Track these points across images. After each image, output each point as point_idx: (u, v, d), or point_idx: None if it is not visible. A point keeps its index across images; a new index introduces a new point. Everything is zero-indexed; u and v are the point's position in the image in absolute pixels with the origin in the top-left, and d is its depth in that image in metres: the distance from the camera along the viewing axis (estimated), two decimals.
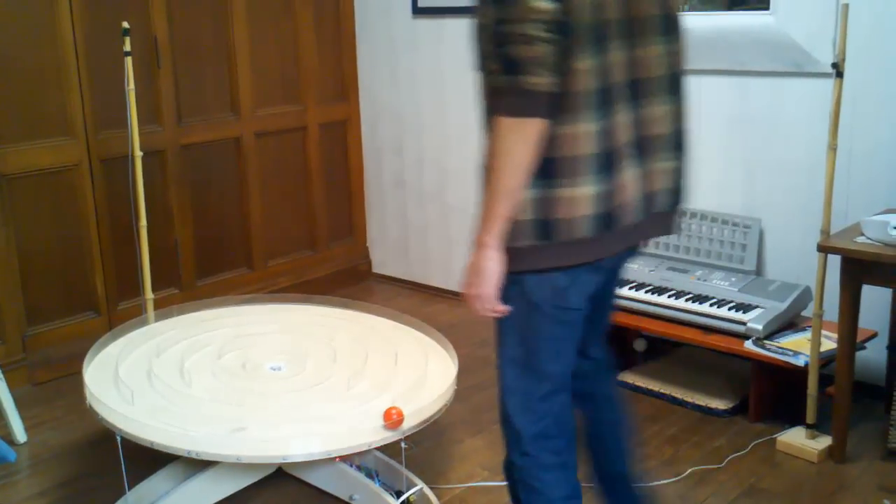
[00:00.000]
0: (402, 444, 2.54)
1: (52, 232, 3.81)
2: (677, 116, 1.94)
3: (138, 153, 3.39)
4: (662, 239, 3.71)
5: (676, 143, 1.94)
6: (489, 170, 1.76)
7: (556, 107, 1.72)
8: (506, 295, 1.86)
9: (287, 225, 4.76)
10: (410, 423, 2.54)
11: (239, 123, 4.43)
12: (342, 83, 4.90)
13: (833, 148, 2.84)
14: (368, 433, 2.49)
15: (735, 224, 3.55)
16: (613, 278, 2.10)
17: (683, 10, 2.02)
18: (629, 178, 1.83)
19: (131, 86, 3.35)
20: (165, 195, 4.18)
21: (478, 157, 1.91)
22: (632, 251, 2.03)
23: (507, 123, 1.71)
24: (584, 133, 1.75)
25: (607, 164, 1.78)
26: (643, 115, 1.86)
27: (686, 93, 1.96)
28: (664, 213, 1.96)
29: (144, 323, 3.25)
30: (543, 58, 1.67)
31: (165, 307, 3.44)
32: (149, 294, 3.50)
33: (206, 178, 4.36)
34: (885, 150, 3.19)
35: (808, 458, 2.96)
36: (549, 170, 1.76)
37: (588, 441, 2.29)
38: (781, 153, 3.46)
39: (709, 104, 3.61)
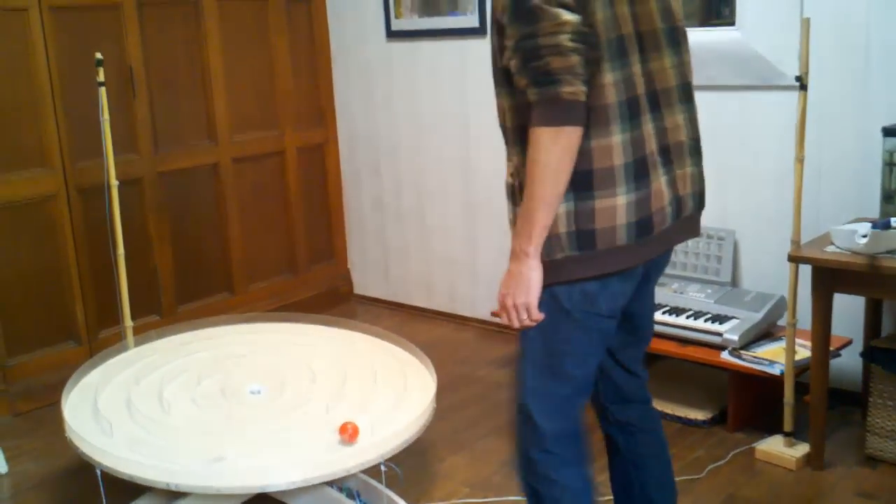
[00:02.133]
0: (382, 467, 2.55)
1: (31, 262, 3.81)
2: (693, 124, 2.02)
3: (114, 182, 3.40)
4: None
5: (695, 149, 2.02)
6: (529, 181, 1.80)
7: (588, 117, 1.78)
8: (539, 304, 1.90)
9: (267, 249, 4.77)
10: (390, 445, 2.56)
11: (216, 149, 4.45)
12: (319, 107, 4.93)
13: (800, 159, 2.88)
14: (348, 459, 2.50)
15: (710, 236, 3.59)
16: (648, 287, 2.13)
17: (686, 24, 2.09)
18: (661, 185, 1.90)
19: (106, 116, 3.37)
20: (144, 223, 4.19)
21: (503, 174, 1.97)
22: (662, 259, 2.08)
23: (544, 133, 1.76)
24: (616, 144, 1.82)
25: (640, 172, 1.86)
26: (665, 125, 1.93)
27: (696, 101, 2.04)
28: (690, 216, 2.03)
29: (123, 349, 3.25)
30: (575, 67, 1.73)
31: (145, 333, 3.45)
32: (128, 321, 3.50)
33: (185, 204, 4.37)
34: (853, 160, 3.24)
35: (787, 465, 2.98)
36: (585, 182, 1.82)
37: (628, 469, 2.27)
38: (752, 165, 3.50)
39: None
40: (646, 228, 1.87)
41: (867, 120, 3.17)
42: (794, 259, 2.89)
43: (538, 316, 1.90)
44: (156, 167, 4.21)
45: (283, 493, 2.82)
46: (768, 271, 3.49)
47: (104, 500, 2.60)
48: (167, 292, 4.32)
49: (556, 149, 1.76)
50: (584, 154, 1.80)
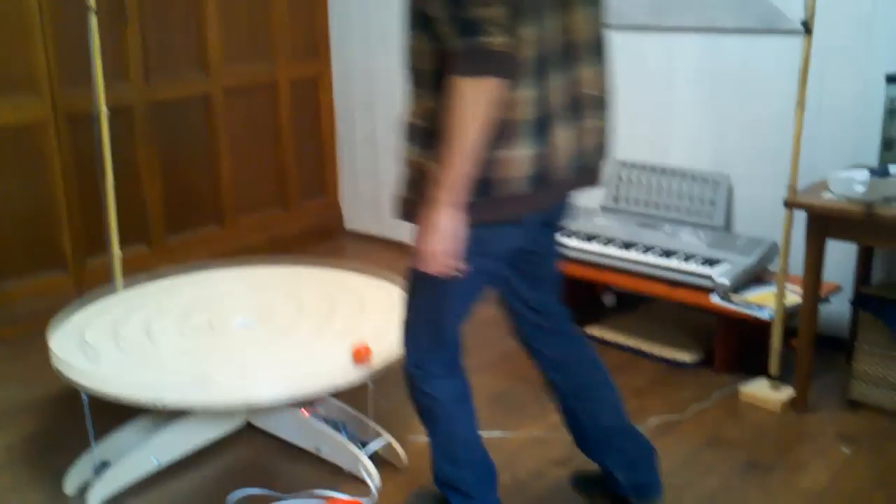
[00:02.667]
0: (370, 385, 2.58)
1: (18, 189, 3.77)
2: (604, 78, 2.06)
3: (104, 110, 3.34)
4: (632, 195, 3.72)
5: (602, 103, 2.06)
6: (448, 130, 1.81)
7: (510, 68, 1.79)
8: None
9: (258, 182, 4.73)
10: (376, 363, 2.60)
11: (208, 80, 4.38)
12: (313, 39, 4.85)
13: (801, 104, 2.85)
14: (335, 374, 2.54)
15: (704, 180, 3.56)
16: (550, 231, 2.21)
17: None
18: (562, 138, 1.94)
19: (96, 42, 3.29)
20: (134, 153, 4.14)
21: (405, 115, 1.97)
22: (561, 206, 2.16)
23: (466, 83, 1.77)
24: (522, 99, 1.85)
25: (543, 127, 1.90)
26: (575, 77, 1.98)
27: (609, 55, 2.06)
28: (590, 167, 2.09)
29: (111, 291, 3.23)
30: (500, 18, 1.74)
31: (133, 271, 3.43)
32: (116, 251, 3.47)
33: (175, 135, 4.32)
34: (853, 107, 3.20)
35: (771, 408, 3.00)
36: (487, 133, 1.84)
37: (567, 402, 2.39)
38: (751, 110, 3.46)
39: (679, 61, 3.61)
40: (544, 180, 1.93)
41: (870, 66, 3.13)
42: (791, 205, 2.87)
43: (457, 264, 1.95)
44: (146, 96, 4.14)
45: (270, 423, 2.84)
46: (761, 216, 3.48)
47: (90, 424, 2.61)
48: (156, 223, 4.28)
49: (480, 100, 1.77)
50: None
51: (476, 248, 1.97)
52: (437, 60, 1.85)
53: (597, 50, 2.03)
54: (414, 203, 1.96)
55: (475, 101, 1.77)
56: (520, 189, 1.90)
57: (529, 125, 1.87)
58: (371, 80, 4.77)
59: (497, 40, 1.74)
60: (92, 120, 3.36)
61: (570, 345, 2.35)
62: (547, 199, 1.99)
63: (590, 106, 2.02)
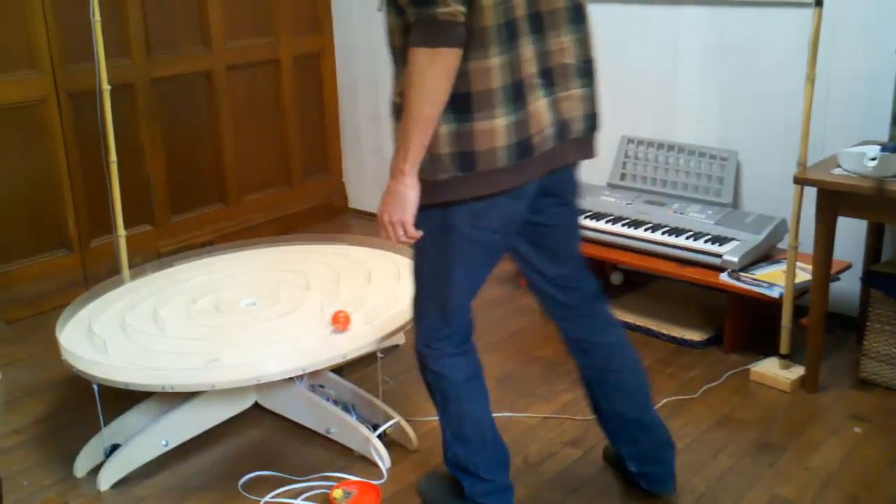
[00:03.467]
0: (378, 355, 2.61)
1: (21, 168, 3.74)
2: (583, 46, 2.04)
3: (106, 87, 3.31)
4: (639, 172, 3.70)
5: (585, 71, 2.04)
6: (406, 101, 1.85)
7: (466, 40, 1.81)
8: (426, 220, 1.99)
9: (261, 160, 4.70)
10: (384, 330, 2.62)
11: (210, 56, 4.34)
12: (315, 14, 4.80)
13: (811, 79, 2.81)
14: (342, 345, 2.54)
15: (712, 156, 3.53)
16: (558, 203, 2.18)
17: None
18: (541, 107, 1.94)
19: (97, 17, 3.25)
20: (136, 130, 4.10)
21: (392, 94, 1.99)
22: (564, 178, 2.14)
23: (422, 54, 1.79)
24: (493, 66, 1.86)
25: (517, 95, 1.90)
26: (548, 46, 1.96)
27: (590, 22, 2.04)
28: (581, 138, 2.08)
29: (117, 276, 3.21)
30: None
31: (138, 251, 3.40)
32: (121, 231, 3.45)
33: (178, 112, 4.28)
34: (863, 82, 3.16)
35: (781, 387, 2.99)
36: (463, 104, 1.87)
37: (588, 383, 2.39)
38: (759, 85, 3.43)
39: (686, 35, 3.57)
40: (525, 150, 1.93)
41: (882, 40, 3.09)
42: (800, 181, 2.85)
43: (414, 233, 1.99)
44: (148, 73, 4.10)
45: (280, 404, 2.83)
46: (770, 193, 3.45)
47: (99, 408, 2.60)
48: (160, 202, 4.26)
49: (432, 70, 1.79)
50: (462, 76, 1.84)
51: (472, 221, 2.00)
52: (405, 36, 1.86)
53: (574, 17, 2.00)
54: None
55: (429, 71, 1.79)
56: (502, 160, 1.91)
57: (502, 93, 1.88)
58: (374, 55, 4.72)
59: (447, 10, 1.75)
60: (94, 96, 3.32)
61: (598, 328, 2.33)
62: (534, 170, 1.99)
63: (568, 75, 2.00)
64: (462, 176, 1.92)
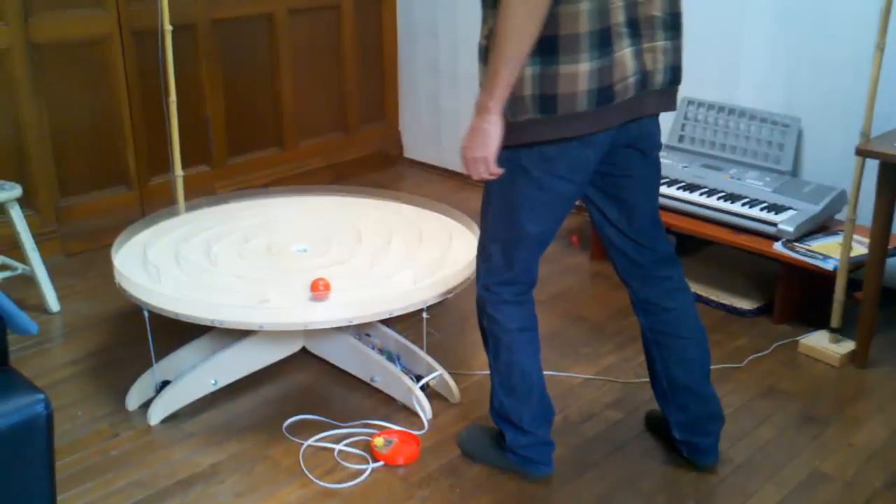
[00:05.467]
0: (424, 314, 2.62)
1: (84, 104, 3.81)
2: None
3: (168, 27, 3.34)
4: (698, 135, 3.64)
5: (671, 24, 2.03)
6: (495, 39, 1.86)
7: None
8: (499, 161, 2.00)
9: (319, 105, 4.71)
10: (432, 292, 2.64)
11: None
12: None
13: (881, 48, 2.73)
14: (389, 301, 2.57)
15: (774, 122, 3.46)
16: (637, 155, 2.16)
17: None
18: (625, 56, 1.95)
19: None
20: (197, 71, 4.14)
21: (479, 38, 2.00)
22: (644, 131, 2.12)
23: None
24: (582, 11, 1.87)
25: (604, 41, 1.91)
26: None
27: None
28: (662, 90, 2.08)
29: (174, 213, 3.27)
30: None
31: (195, 192, 3.45)
32: (178, 171, 3.50)
33: (238, 54, 4.30)
34: None
35: (830, 361, 2.96)
36: (549, 47, 1.89)
37: (647, 344, 2.40)
38: (826, 51, 3.34)
39: None
40: (606, 97, 1.94)
41: None
42: (863, 153, 2.78)
43: (495, 170, 2.00)
44: (210, 14, 4.12)
45: (326, 349, 2.88)
46: (831, 163, 3.38)
47: (151, 342, 2.66)
48: (218, 143, 4.30)
49: (523, 8, 1.82)
50: (551, 19, 1.86)
51: (542, 166, 2.02)
52: None
53: None
54: None
55: (520, 10, 1.82)
56: (582, 105, 1.92)
57: (588, 38, 1.88)
58: (434, 4, 4.68)
59: None
60: (157, 35, 3.36)
61: (667, 291, 2.32)
62: (612, 118, 1.99)
63: (655, 26, 2.00)
64: (541, 118, 1.94)
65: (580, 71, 1.90)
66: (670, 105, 2.14)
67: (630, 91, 1.98)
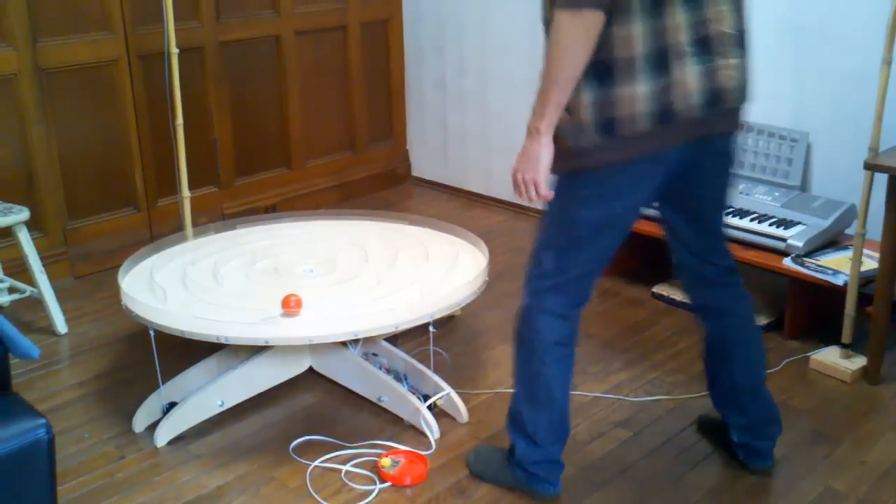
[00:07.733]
0: (431, 327, 2.62)
1: (92, 127, 3.82)
2: (739, 14, 2.04)
3: (174, 50, 3.35)
4: None
5: (739, 41, 2.04)
6: (546, 62, 1.88)
7: (609, 5, 1.82)
8: (556, 186, 2.03)
9: (327, 126, 4.72)
10: (439, 306, 2.64)
11: (279, 21, 4.36)
12: None
13: (888, 62, 2.72)
14: (394, 316, 2.56)
15: (782, 137, 3.45)
16: (707, 177, 2.17)
17: None
18: (689, 75, 1.94)
19: None
20: (204, 93, 4.16)
21: (534, 63, 2.03)
22: (715, 148, 2.12)
23: (565, 16, 1.82)
24: (636, 34, 1.87)
25: (660, 62, 1.91)
26: (705, 15, 1.96)
27: None
28: (730, 109, 2.07)
29: (181, 235, 3.28)
30: None
31: (203, 212, 3.45)
32: (186, 192, 3.51)
33: (246, 76, 4.32)
34: None
35: (842, 377, 2.93)
36: (605, 71, 1.90)
37: (708, 348, 2.45)
38: (834, 66, 3.33)
39: (760, 11, 3.45)
40: (666, 116, 1.94)
41: None
42: (871, 167, 2.76)
43: (546, 192, 2.01)
44: (217, 36, 4.14)
45: (333, 370, 2.87)
46: (840, 177, 3.36)
47: (157, 363, 2.66)
48: (225, 164, 4.31)
49: (574, 31, 1.82)
50: (605, 43, 1.86)
51: (603, 188, 2.03)
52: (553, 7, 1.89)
53: None
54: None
55: (571, 32, 1.82)
56: (642, 126, 1.92)
57: (644, 60, 1.89)
58: (441, 24, 4.69)
59: None
60: (164, 58, 3.37)
61: (729, 298, 2.36)
62: (675, 136, 1.99)
63: (723, 43, 1.99)
64: (602, 142, 1.94)
65: (637, 92, 1.90)
66: (736, 124, 2.14)
67: (694, 111, 1.97)
